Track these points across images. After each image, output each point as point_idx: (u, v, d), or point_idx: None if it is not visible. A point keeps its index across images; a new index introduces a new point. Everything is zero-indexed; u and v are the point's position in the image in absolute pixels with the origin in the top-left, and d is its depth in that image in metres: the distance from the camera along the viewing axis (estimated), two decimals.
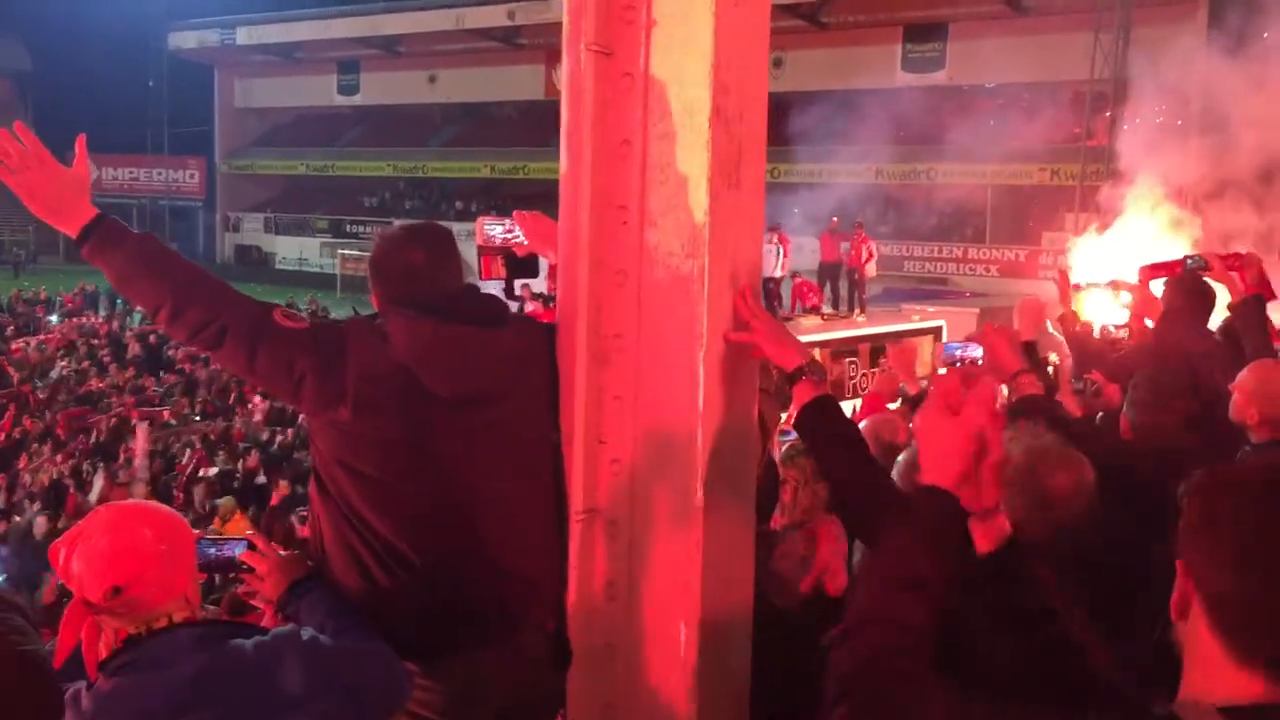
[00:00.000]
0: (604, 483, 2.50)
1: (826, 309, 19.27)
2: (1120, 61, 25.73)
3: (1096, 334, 6.14)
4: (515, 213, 2.92)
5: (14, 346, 20.94)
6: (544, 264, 2.94)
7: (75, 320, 24.39)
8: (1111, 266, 10.77)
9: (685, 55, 2.36)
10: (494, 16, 37.77)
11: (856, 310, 19.17)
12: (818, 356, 2.55)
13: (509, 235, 2.97)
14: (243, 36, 44.66)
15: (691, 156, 2.37)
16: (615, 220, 2.46)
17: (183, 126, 48.73)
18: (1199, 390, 4.02)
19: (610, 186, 2.46)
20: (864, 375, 14.97)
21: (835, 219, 21.10)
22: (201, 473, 13.06)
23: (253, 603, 2.41)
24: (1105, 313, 8.58)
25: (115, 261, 2.34)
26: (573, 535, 2.50)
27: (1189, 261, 4.68)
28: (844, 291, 19.85)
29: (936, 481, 1.58)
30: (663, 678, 2.43)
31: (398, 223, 2.75)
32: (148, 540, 1.92)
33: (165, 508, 2.05)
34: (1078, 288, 6.02)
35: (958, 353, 4.97)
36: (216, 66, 47.82)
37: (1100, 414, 4.89)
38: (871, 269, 20.01)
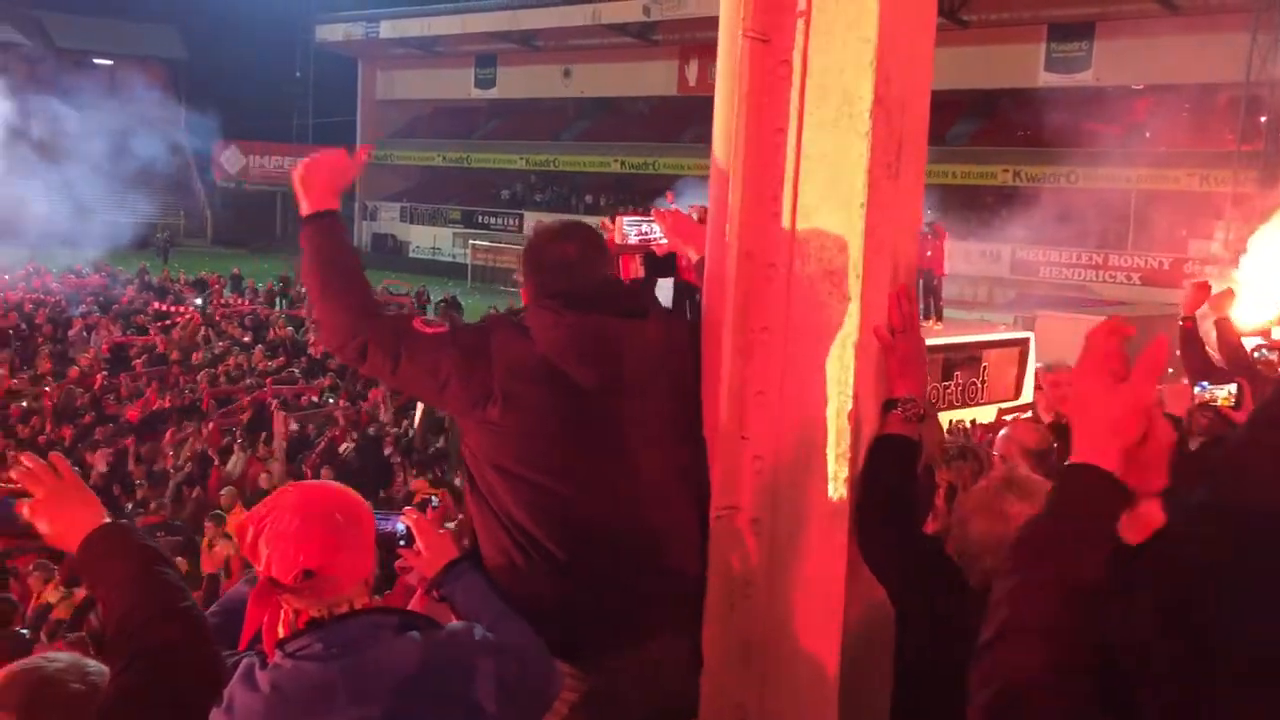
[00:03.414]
0: (746, 479, 2.45)
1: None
2: (1278, 63, 24.52)
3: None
4: (655, 210, 2.90)
5: (163, 325, 21.84)
6: None
7: (220, 302, 25.30)
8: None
9: (846, 42, 2.28)
10: (630, 11, 37.96)
11: (932, 319, 17.02)
12: None
13: (647, 235, 2.96)
14: (386, 30, 45.84)
15: (849, 146, 2.29)
16: (766, 211, 2.41)
17: (326, 117, 50.28)
18: None
19: (762, 177, 2.40)
20: (932, 389, 13.40)
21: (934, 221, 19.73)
22: (343, 448, 13.45)
23: (406, 579, 2.42)
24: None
25: None
26: (712, 532, 2.46)
27: None
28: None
29: (1094, 459, 1.39)
30: (800, 683, 2.37)
31: (549, 219, 2.79)
32: (338, 524, 1.91)
33: (350, 490, 2.04)
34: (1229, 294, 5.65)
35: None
36: (360, 59, 49.14)
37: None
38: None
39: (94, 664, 1.66)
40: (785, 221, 2.39)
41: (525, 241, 2.64)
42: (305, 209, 2.49)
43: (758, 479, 2.44)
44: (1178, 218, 29.07)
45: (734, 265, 2.41)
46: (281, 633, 1.89)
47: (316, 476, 12.78)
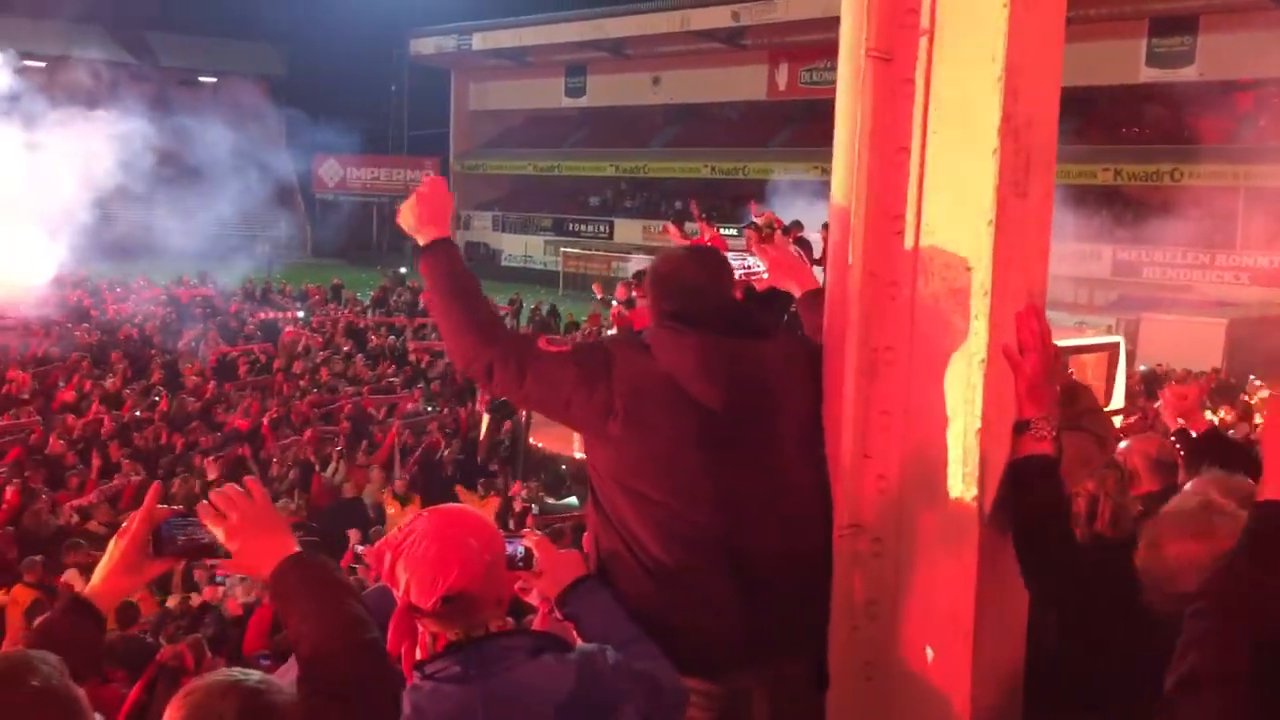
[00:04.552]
0: (869, 499, 2.44)
1: None
2: None
3: None
4: (756, 246, 2.91)
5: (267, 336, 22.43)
6: None
7: (320, 312, 25.88)
8: None
9: (972, 61, 2.27)
10: (718, 17, 37.93)
11: None
12: None
13: (752, 270, 2.97)
14: (478, 42, 46.50)
15: (976, 164, 2.27)
16: (889, 230, 2.40)
17: (420, 128, 51.25)
18: None
19: (884, 195, 2.40)
20: None
21: None
22: (442, 454, 13.66)
23: (527, 598, 2.46)
24: None
25: None
26: (836, 551, 2.45)
27: None
28: None
29: None
30: (930, 705, 2.35)
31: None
32: (473, 549, 1.96)
33: (482, 514, 2.10)
34: None
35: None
36: (453, 71, 49.92)
37: None
38: None
39: (278, 679, 1.73)
40: (909, 241, 2.38)
41: (653, 265, 2.68)
42: (424, 239, 2.57)
43: (881, 498, 2.43)
44: None
45: (856, 284, 2.41)
46: (419, 655, 1.94)
47: (417, 485, 13.04)
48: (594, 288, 16.85)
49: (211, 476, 12.89)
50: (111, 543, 2.01)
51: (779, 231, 15.01)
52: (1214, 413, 11.34)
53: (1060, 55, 2.40)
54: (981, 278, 2.28)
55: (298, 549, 1.89)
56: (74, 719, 1.61)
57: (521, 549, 2.42)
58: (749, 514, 2.42)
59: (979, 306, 2.28)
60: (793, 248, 14.77)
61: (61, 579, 8.65)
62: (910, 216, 2.38)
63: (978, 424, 2.29)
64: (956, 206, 2.31)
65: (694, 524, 2.39)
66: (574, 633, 2.34)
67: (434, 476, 13.36)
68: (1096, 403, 2.88)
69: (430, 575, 1.91)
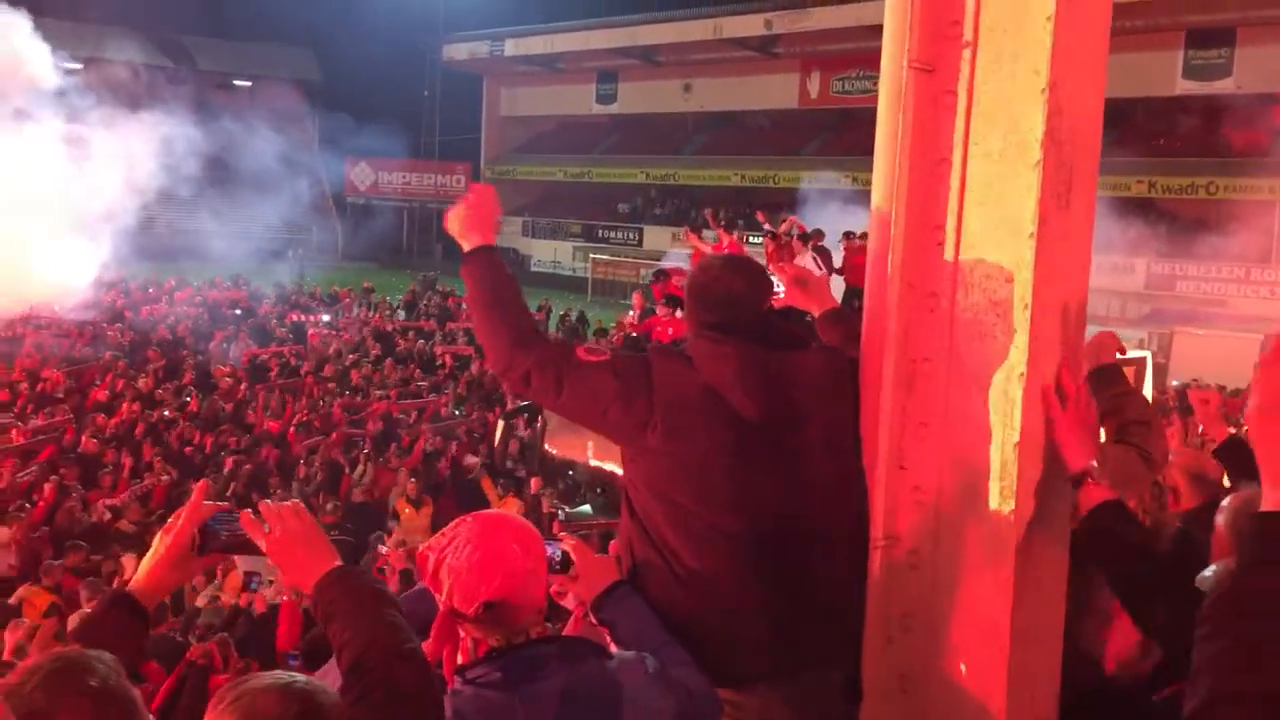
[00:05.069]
0: (905, 510, 2.44)
1: None
2: None
3: None
4: (774, 265, 2.90)
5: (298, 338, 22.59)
6: None
7: (350, 316, 26.03)
8: None
9: (1015, 74, 2.26)
10: (751, 25, 37.97)
11: None
12: None
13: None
14: (510, 48, 46.74)
15: (1018, 176, 2.27)
16: (929, 241, 2.40)
17: (452, 133, 51.54)
18: None
19: (925, 206, 2.39)
20: None
21: None
22: (467, 462, 13.71)
23: (562, 602, 2.47)
24: None
25: None
26: (872, 563, 2.45)
27: None
28: None
29: None
30: (964, 718, 2.34)
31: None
32: (516, 556, 1.97)
33: (523, 520, 2.11)
34: None
35: None
36: (485, 76, 50.18)
37: None
38: None
39: (320, 680, 1.75)
40: (949, 252, 2.37)
41: (691, 276, 2.69)
42: (467, 245, 2.58)
43: (918, 510, 2.43)
44: None
45: (895, 295, 2.41)
46: (460, 660, 1.95)
47: (447, 489, 13.11)
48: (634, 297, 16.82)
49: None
50: (157, 539, 2.03)
51: (797, 239, 14.97)
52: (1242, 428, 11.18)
53: (1104, 70, 2.39)
54: (1022, 291, 2.27)
55: (339, 562, 1.92)
56: (132, 718, 1.63)
57: (559, 553, 2.43)
58: (783, 526, 2.42)
59: (1019, 319, 2.27)
60: (810, 255, 14.72)
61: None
62: (950, 228, 2.37)
63: (1016, 437, 2.28)
64: (998, 218, 2.30)
65: (729, 534, 2.39)
66: (608, 637, 2.36)
67: (460, 482, 13.40)
68: (1148, 414, 2.83)
69: (473, 581, 1.93)
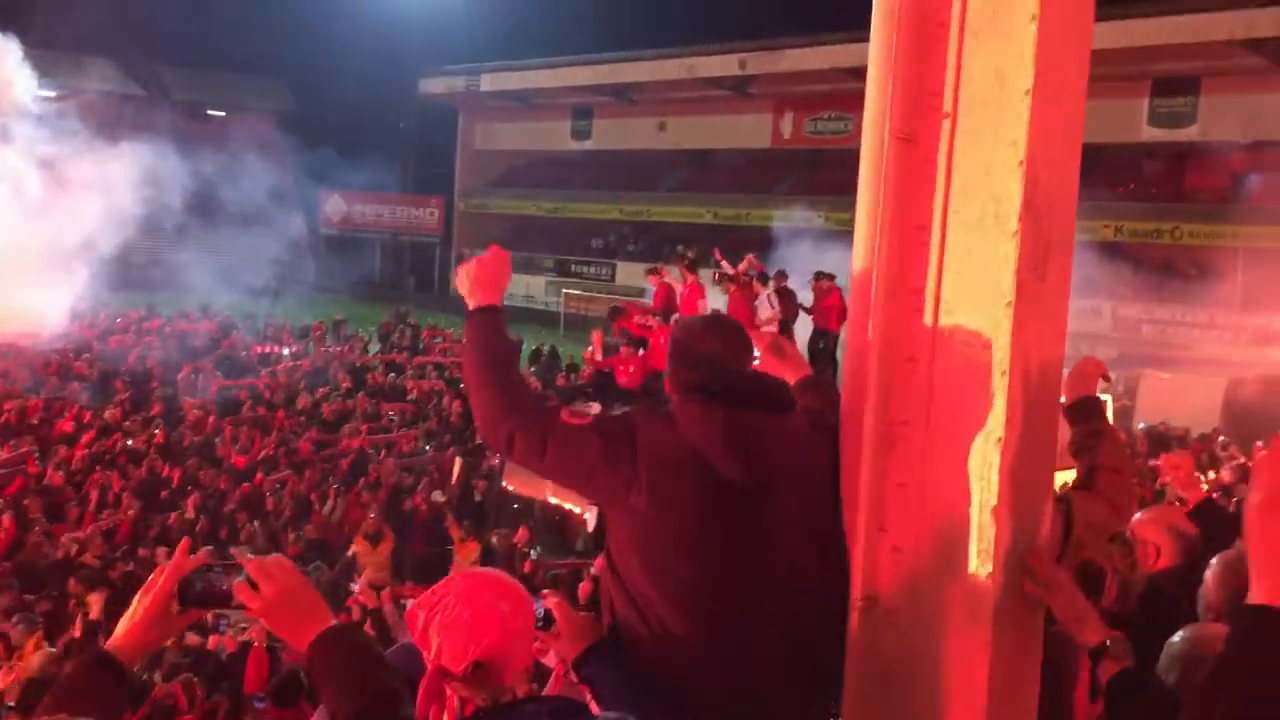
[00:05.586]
0: (884, 571, 2.46)
1: None
2: None
3: None
4: (752, 334, 2.92)
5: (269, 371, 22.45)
6: None
7: (321, 348, 25.89)
8: None
9: (993, 146, 2.32)
10: (726, 65, 38.33)
11: None
12: None
13: None
14: (486, 83, 46.90)
15: (996, 245, 2.32)
16: (908, 306, 2.45)
17: (427, 167, 51.55)
18: None
19: (904, 272, 2.44)
20: None
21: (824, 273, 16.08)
22: (433, 497, 13.64)
23: (543, 660, 2.48)
24: None
25: None
26: (851, 622, 2.47)
27: None
28: None
29: (1276, 599, 1.35)
30: None
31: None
32: (504, 614, 1.99)
33: (512, 579, 2.12)
34: None
35: None
36: (461, 110, 50.31)
37: None
38: None
39: None
40: (928, 318, 2.42)
41: (670, 336, 2.72)
42: (473, 303, 2.62)
43: (897, 570, 2.46)
44: None
45: (875, 357, 2.45)
46: (447, 719, 1.96)
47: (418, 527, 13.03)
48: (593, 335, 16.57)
49: (190, 515, 12.83)
50: (136, 597, 2.02)
51: (756, 279, 14.94)
52: (1207, 474, 11.28)
53: (1080, 142, 2.46)
54: (1000, 357, 2.32)
55: (334, 622, 1.92)
56: None
57: (542, 610, 2.44)
58: (766, 587, 2.44)
59: (998, 384, 2.32)
60: (767, 295, 14.72)
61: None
62: (930, 293, 2.42)
63: (994, 500, 2.32)
64: (976, 286, 2.35)
65: (711, 596, 2.41)
66: (589, 695, 2.37)
67: (405, 519, 13.29)
68: (1121, 460, 2.84)
69: (462, 641, 1.94)
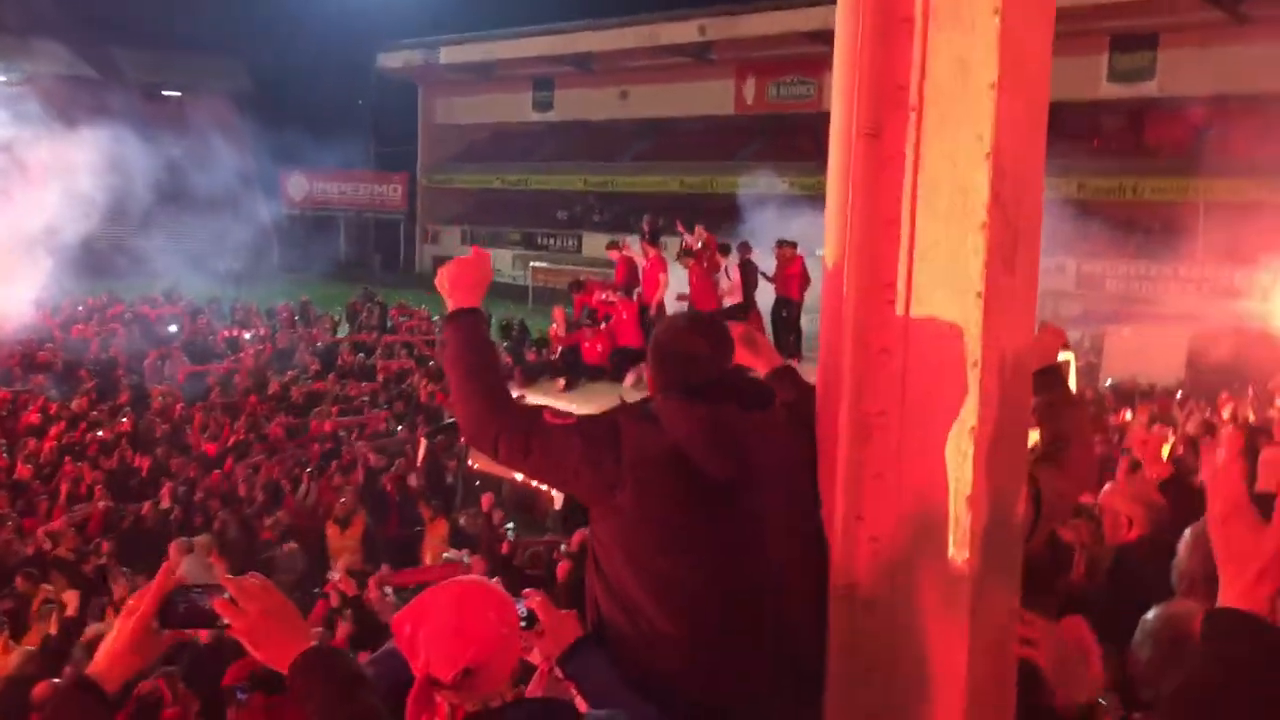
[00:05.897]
0: (862, 561, 2.49)
1: None
2: None
3: None
4: (730, 323, 2.92)
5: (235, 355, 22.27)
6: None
7: (287, 330, 25.69)
8: None
9: (959, 137, 2.34)
10: (685, 32, 38.18)
11: (795, 358, 14.81)
12: None
13: None
14: (445, 55, 46.55)
15: (964, 237, 2.34)
16: (880, 299, 2.46)
17: (388, 143, 51.13)
18: None
19: (875, 265, 2.46)
20: None
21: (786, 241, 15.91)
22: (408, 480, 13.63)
23: (527, 658, 2.50)
24: None
25: None
26: (831, 613, 2.51)
27: None
28: None
29: (1246, 605, 1.39)
30: None
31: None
32: (492, 622, 2.01)
33: (497, 587, 2.14)
34: None
35: None
36: (420, 84, 49.88)
37: None
38: None
39: None
40: (900, 309, 2.44)
41: (653, 336, 2.73)
42: (452, 305, 2.61)
43: (875, 560, 2.49)
44: (1248, 229, 28.52)
45: (849, 349, 2.47)
46: None
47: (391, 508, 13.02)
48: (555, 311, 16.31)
49: (166, 504, 12.71)
50: (118, 620, 2.02)
51: (718, 250, 14.85)
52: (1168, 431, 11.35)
53: (1044, 134, 2.48)
54: (971, 347, 2.34)
55: (315, 642, 1.93)
56: None
57: (525, 610, 2.46)
58: (749, 582, 2.47)
59: (970, 376, 2.35)
60: (725, 267, 14.68)
61: None
62: (901, 286, 2.44)
63: (968, 490, 2.36)
64: (946, 278, 2.37)
65: (695, 593, 2.43)
66: (574, 692, 2.40)
67: (380, 499, 13.27)
68: (1085, 431, 2.83)
69: (450, 648, 1.96)
